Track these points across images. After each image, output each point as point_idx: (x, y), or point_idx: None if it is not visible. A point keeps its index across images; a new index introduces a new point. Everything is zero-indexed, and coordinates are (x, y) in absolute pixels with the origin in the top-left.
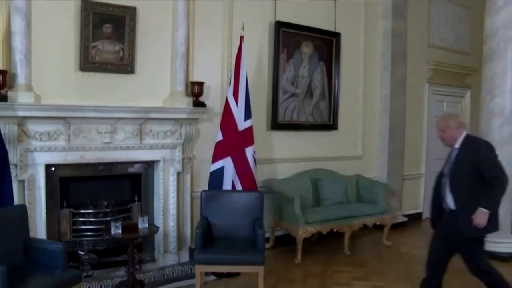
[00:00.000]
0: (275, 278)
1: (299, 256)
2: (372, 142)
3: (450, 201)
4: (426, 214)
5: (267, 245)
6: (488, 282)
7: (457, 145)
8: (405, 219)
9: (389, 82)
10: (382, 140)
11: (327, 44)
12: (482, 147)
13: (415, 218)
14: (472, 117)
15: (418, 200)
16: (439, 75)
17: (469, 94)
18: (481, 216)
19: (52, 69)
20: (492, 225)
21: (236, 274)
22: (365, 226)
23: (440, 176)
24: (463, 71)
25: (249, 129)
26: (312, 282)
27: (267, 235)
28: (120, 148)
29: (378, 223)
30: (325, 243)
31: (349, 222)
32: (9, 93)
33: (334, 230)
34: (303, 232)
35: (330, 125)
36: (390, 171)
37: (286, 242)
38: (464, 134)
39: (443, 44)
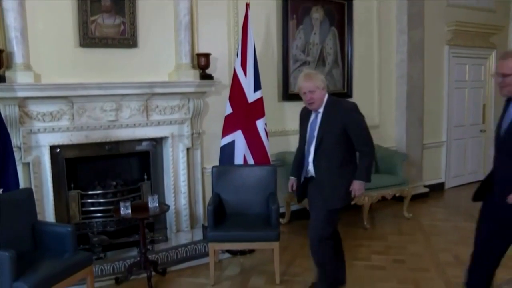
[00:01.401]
0: (291, 254)
1: None
2: (389, 110)
3: None
4: (448, 184)
5: (282, 221)
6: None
7: None
8: (426, 189)
9: (406, 46)
10: (400, 108)
11: (338, 9)
12: None
13: (437, 188)
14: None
15: (440, 169)
16: (460, 36)
17: (494, 55)
18: None
19: (50, 46)
20: None
21: (251, 251)
22: (384, 198)
23: None
24: (487, 30)
25: (259, 101)
26: None
27: (281, 210)
28: (126, 126)
29: (397, 195)
30: (343, 217)
31: (367, 194)
32: (7, 73)
33: (352, 203)
34: None
35: (345, 93)
36: (409, 140)
37: (302, 216)
38: None
39: (464, 2)
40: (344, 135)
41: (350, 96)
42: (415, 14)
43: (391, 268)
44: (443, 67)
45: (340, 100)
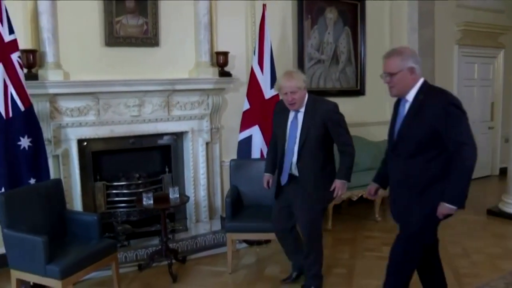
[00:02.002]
0: None
1: (329, 222)
2: None
3: None
4: None
5: None
6: None
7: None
8: None
9: (417, 44)
10: None
11: (351, 9)
12: None
13: None
14: (506, 77)
15: None
16: (469, 36)
17: (502, 55)
18: None
19: (78, 45)
20: None
21: (267, 242)
22: None
23: None
24: (496, 30)
25: (276, 97)
26: (343, 248)
27: None
28: (148, 121)
29: None
30: (355, 210)
31: None
32: (40, 72)
33: (364, 196)
34: None
35: (357, 90)
36: None
37: None
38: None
39: (473, 3)
40: (326, 135)
41: (363, 93)
42: (426, 13)
43: None
44: (452, 66)
45: (320, 100)
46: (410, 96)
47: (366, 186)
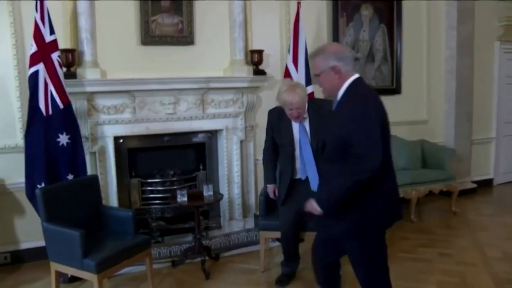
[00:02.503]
0: None
1: None
2: (438, 105)
3: None
4: (498, 180)
5: None
6: None
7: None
8: (474, 185)
9: (455, 41)
10: (449, 103)
11: (387, 6)
12: None
13: (485, 184)
14: None
15: (488, 165)
16: (511, 32)
17: None
18: None
19: (115, 45)
20: None
21: (301, 240)
22: (431, 193)
23: None
24: None
25: (311, 95)
26: None
27: None
28: (183, 119)
29: (444, 190)
30: None
31: (414, 189)
32: (78, 70)
33: (400, 196)
34: None
35: (393, 89)
36: (458, 136)
37: None
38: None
39: None
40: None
41: (399, 91)
42: (465, 9)
43: (437, 262)
44: (493, 63)
45: (318, 101)
46: (338, 97)
47: (400, 186)
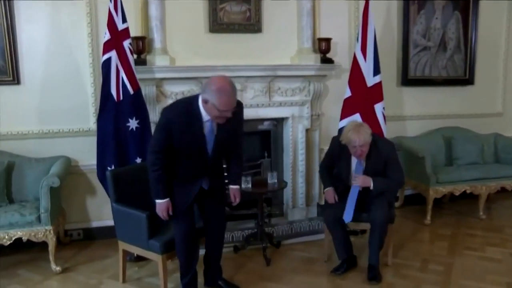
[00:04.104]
0: (402, 237)
1: (428, 217)
2: None
3: None
4: None
5: (396, 204)
6: None
7: None
8: None
9: None
10: None
11: None
12: None
13: None
14: None
15: None
16: None
17: None
18: None
19: (184, 32)
20: None
21: (363, 232)
22: (503, 189)
23: None
24: None
25: (378, 85)
26: (441, 244)
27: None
28: (250, 106)
29: None
30: (457, 205)
31: (484, 184)
32: (148, 57)
33: (468, 191)
34: (433, 192)
35: (466, 79)
36: None
37: (415, 202)
38: None
39: None
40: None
41: (472, 82)
42: None
43: (508, 262)
44: None
45: (376, 140)
46: None
47: (470, 181)
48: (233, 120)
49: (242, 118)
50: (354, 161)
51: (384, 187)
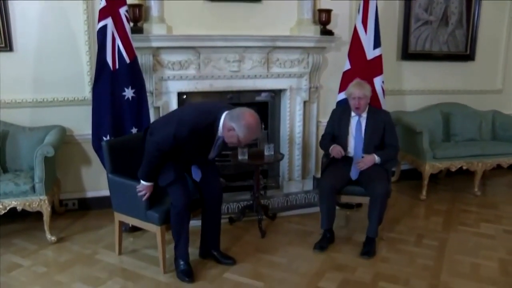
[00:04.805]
0: (398, 212)
1: (424, 192)
2: None
3: None
4: None
5: (392, 178)
6: None
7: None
8: None
9: None
10: None
11: None
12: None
13: None
14: None
15: None
16: None
17: None
18: None
19: (181, 0)
20: None
21: (358, 205)
22: (499, 166)
23: None
24: None
25: (378, 58)
26: (436, 219)
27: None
28: (247, 77)
29: None
30: (453, 181)
31: (481, 161)
32: (145, 26)
33: (464, 168)
34: (430, 167)
35: (467, 55)
36: None
37: (411, 177)
38: None
39: None
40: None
41: (473, 58)
42: None
43: (501, 238)
44: None
45: (373, 108)
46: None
47: (466, 157)
48: None
49: None
50: (353, 122)
51: (387, 157)
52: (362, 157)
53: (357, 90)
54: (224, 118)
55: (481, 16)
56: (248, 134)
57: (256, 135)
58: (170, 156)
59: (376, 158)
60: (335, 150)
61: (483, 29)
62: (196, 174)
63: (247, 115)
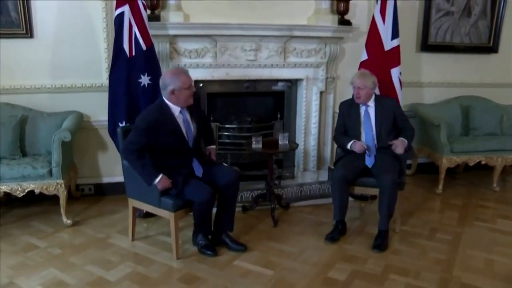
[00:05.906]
0: (412, 205)
1: (440, 186)
2: None
3: None
4: None
5: (408, 172)
6: None
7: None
8: None
9: None
10: None
11: None
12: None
13: None
14: None
15: None
16: None
17: None
18: None
19: None
20: None
21: (373, 197)
22: None
23: None
24: None
25: (396, 49)
26: (451, 214)
27: (408, 161)
28: (264, 66)
29: None
30: (470, 176)
31: (500, 156)
32: (162, 13)
33: (483, 162)
34: (447, 161)
35: (489, 47)
36: None
37: (428, 170)
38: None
39: None
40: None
41: (496, 50)
42: None
43: None
44: None
45: (379, 97)
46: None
47: (485, 152)
48: (196, 106)
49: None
50: (361, 112)
51: (410, 138)
52: (390, 144)
53: (358, 80)
54: (163, 95)
55: (507, 6)
56: (182, 77)
57: (186, 73)
58: (154, 156)
59: (405, 141)
60: (358, 146)
61: (509, 20)
62: (198, 170)
63: (165, 72)
